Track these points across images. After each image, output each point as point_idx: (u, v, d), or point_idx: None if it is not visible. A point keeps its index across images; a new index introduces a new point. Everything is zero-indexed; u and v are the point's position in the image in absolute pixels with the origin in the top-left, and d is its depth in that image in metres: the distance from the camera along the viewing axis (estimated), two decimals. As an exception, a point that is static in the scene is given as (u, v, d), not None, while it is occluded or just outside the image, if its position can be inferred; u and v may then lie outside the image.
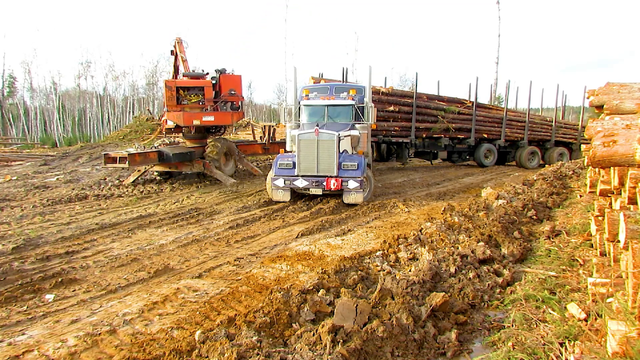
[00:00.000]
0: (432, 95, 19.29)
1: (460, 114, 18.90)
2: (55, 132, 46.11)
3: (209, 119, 13.71)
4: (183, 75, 14.63)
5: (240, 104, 15.10)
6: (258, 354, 3.24)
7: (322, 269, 5.46)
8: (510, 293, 4.65)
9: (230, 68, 14.82)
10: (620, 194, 4.25)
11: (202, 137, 14.88)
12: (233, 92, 14.26)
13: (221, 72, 14.56)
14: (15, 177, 15.58)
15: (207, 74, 14.64)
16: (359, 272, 5.23)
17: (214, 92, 14.23)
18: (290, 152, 11.15)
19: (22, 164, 20.13)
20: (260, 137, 20.09)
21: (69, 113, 50.92)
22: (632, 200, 3.66)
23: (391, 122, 17.61)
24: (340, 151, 10.45)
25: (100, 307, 4.90)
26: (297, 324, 3.88)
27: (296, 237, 7.77)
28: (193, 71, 14.86)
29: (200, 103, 14.01)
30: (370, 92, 12.39)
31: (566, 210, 8.44)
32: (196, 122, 13.62)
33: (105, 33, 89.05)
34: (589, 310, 3.67)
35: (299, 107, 12.10)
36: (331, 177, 10.22)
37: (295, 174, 10.38)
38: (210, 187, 13.36)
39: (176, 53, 15.12)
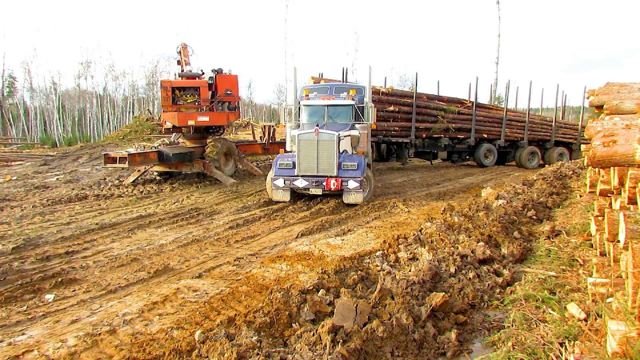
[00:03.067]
0: (432, 95, 19.28)
1: (460, 114, 18.89)
2: (55, 132, 46.09)
3: (204, 119, 13.70)
4: (179, 76, 14.63)
5: (237, 104, 15.04)
6: (258, 354, 3.24)
7: (322, 269, 5.46)
8: (510, 293, 4.65)
9: (228, 68, 14.78)
10: (620, 194, 4.25)
11: (202, 137, 14.89)
12: (229, 92, 14.22)
13: (218, 72, 14.49)
14: (15, 177, 15.58)
15: (203, 74, 14.62)
16: (359, 272, 5.23)
17: (210, 92, 14.19)
18: (290, 152, 11.15)
19: (22, 164, 20.13)
20: (260, 137, 20.09)
21: (69, 113, 50.90)
22: (632, 200, 3.66)
23: (391, 122, 17.59)
24: (340, 151, 10.45)
25: (100, 307, 4.90)
26: (297, 324, 3.88)
27: (296, 237, 7.77)
28: (189, 71, 14.83)
29: (197, 103, 13.98)
30: (370, 92, 12.39)
31: (566, 210, 8.44)
32: (191, 122, 13.62)
33: (105, 33, 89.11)
34: (589, 310, 3.67)
35: (299, 107, 12.10)
36: (331, 177, 10.22)
37: (295, 174, 10.37)
38: (210, 187, 13.36)
39: (181, 58, 15.15)
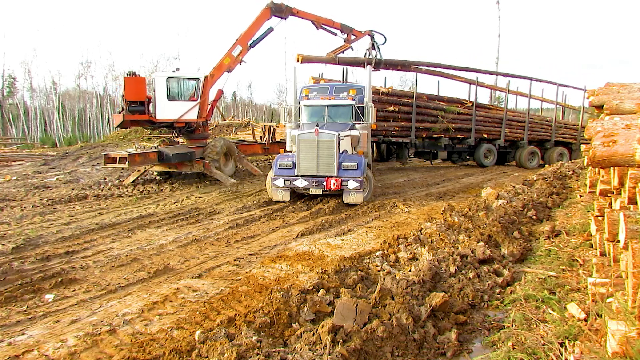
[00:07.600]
0: (432, 95, 19.29)
1: (460, 114, 18.89)
2: (55, 132, 46.12)
3: (114, 121, 14.77)
4: None
5: (148, 105, 14.23)
6: (258, 354, 3.24)
7: (322, 269, 5.46)
8: (510, 293, 4.65)
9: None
10: (620, 194, 4.25)
11: (202, 137, 14.84)
12: (122, 95, 14.17)
13: (131, 74, 14.27)
14: (15, 177, 15.58)
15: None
16: (359, 272, 5.22)
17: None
18: (290, 152, 11.15)
19: (22, 164, 20.13)
20: (260, 137, 20.11)
21: (69, 113, 50.94)
22: (632, 200, 3.65)
23: (391, 122, 17.60)
24: (340, 151, 10.45)
25: (100, 307, 4.90)
26: (297, 324, 3.88)
27: (296, 237, 7.77)
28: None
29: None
30: (370, 92, 12.40)
31: (566, 210, 8.44)
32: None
33: (105, 33, 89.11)
34: (589, 310, 3.67)
35: (299, 107, 12.10)
36: (331, 177, 10.22)
37: (295, 174, 10.37)
38: (210, 187, 13.36)
39: None
